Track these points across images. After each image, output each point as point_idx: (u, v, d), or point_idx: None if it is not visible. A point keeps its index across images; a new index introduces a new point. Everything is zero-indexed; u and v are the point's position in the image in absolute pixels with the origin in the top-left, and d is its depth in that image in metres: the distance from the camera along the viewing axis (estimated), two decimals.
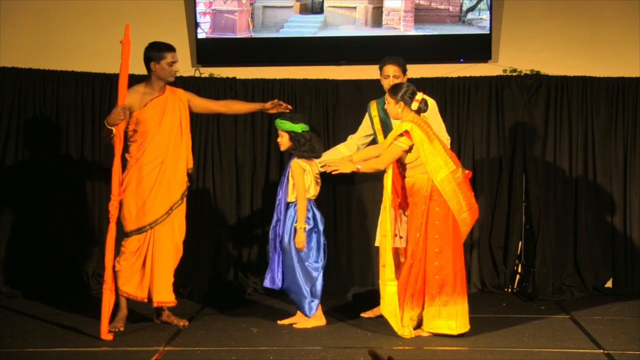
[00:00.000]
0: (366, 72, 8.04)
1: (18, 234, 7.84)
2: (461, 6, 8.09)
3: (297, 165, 6.53)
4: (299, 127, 6.52)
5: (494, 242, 8.00)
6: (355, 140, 7.05)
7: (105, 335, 6.08)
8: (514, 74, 8.09)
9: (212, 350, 5.87)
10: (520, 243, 8.05)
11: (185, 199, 6.57)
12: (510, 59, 8.18)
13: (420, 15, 8.10)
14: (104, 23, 8.20)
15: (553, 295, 7.68)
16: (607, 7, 8.18)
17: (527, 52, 8.19)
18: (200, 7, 8.12)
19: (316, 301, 6.55)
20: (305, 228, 6.50)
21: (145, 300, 6.48)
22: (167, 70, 6.44)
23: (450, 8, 8.10)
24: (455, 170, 6.24)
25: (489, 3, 8.05)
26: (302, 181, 6.51)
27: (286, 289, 6.59)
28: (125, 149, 6.38)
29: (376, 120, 6.86)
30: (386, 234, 6.23)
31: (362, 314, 6.87)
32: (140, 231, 6.42)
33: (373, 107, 6.90)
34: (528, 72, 8.07)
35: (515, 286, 8.06)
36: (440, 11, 8.11)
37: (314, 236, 6.57)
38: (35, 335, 6.24)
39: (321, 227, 6.61)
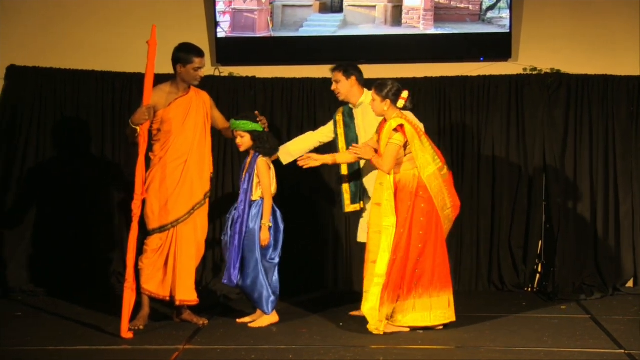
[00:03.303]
0: (385, 71, 8.02)
1: (40, 233, 7.89)
2: (481, 5, 8.07)
3: (263, 163, 6.53)
4: (259, 126, 6.53)
5: (513, 242, 7.98)
6: (316, 137, 7.13)
7: (126, 333, 6.10)
8: (534, 72, 8.06)
9: (231, 349, 5.88)
10: (540, 242, 8.03)
11: (207, 200, 6.59)
12: (531, 57, 8.15)
13: (440, 14, 8.08)
14: (124, 22, 8.23)
15: (573, 294, 7.64)
16: (628, 6, 8.13)
17: (547, 50, 8.16)
18: (220, 7, 8.13)
19: (274, 298, 6.55)
20: (270, 226, 6.51)
21: (168, 298, 6.50)
22: (191, 75, 6.46)
23: (470, 7, 8.08)
24: (441, 167, 6.31)
25: (509, 2, 8.01)
26: (269, 179, 6.52)
27: (247, 287, 6.54)
28: (149, 148, 6.40)
29: (340, 124, 6.97)
30: (380, 230, 6.23)
31: (352, 313, 6.84)
32: (162, 229, 6.44)
33: (339, 111, 7.02)
34: (548, 71, 8.04)
35: (535, 286, 8.04)
36: (460, 10, 8.09)
37: (272, 234, 6.56)
38: (57, 333, 6.27)
39: (281, 226, 6.61)
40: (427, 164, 6.25)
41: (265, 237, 6.48)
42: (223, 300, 7.49)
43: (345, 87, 6.87)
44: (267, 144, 6.55)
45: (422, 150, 6.26)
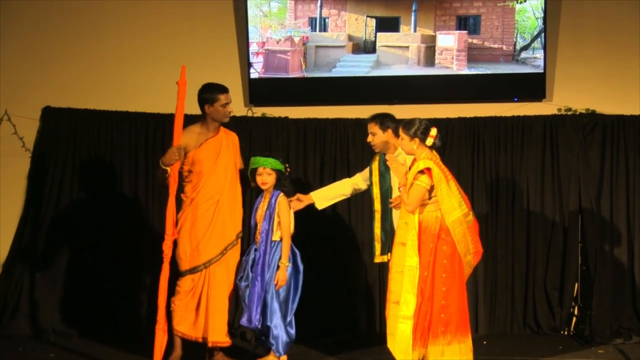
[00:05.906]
0: (418, 111, 7.97)
1: (72, 274, 7.90)
2: (515, 45, 8.05)
3: (285, 201, 6.50)
4: (283, 166, 6.52)
5: (549, 284, 7.88)
6: (351, 183, 7.09)
7: None
8: (568, 113, 8.01)
9: None
10: (576, 284, 7.92)
11: (240, 240, 6.57)
12: (565, 97, 8.10)
13: (473, 54, 8.07)
14: (158, 64, 8.28)
15: (611, 338, 7.53)
16: None
17: (582, 91, 8.10)
18: (253, 48, 8.17)
19: (290, 341, 6.48)
20: (288, 266, 6.44)
21: (200, 340, 6.47)
22: (221, 112, 6.49)
23: (504, 47, 8.06)
24: (467, 213, 6.17)
25: (543, 42, 7.99)
26: (289, 218, 6.49)
27: (268, 329, 6.43)
28: (181, 189, 6.42)
29: (375, 172, 6.88)
30: (402, 271, 6.11)
31: None
32: (194, 271, 6.44)
33: (375, 159, 6.93)
34: (583, 111, 7.98)
35: (571, 329, 7.92)
36: (494, 50, 8.07)
37: (292, 275, 6.50)
38: None
39: (301, 267, 6.54)
40: (452, 209, 6.12)
41: (282, 277, 6.40)
42: (255, 342, 7.44)
43: (381, 139, 6.76)
44: (286, 186, 6.54)
45: (449, 194, 6.12)
